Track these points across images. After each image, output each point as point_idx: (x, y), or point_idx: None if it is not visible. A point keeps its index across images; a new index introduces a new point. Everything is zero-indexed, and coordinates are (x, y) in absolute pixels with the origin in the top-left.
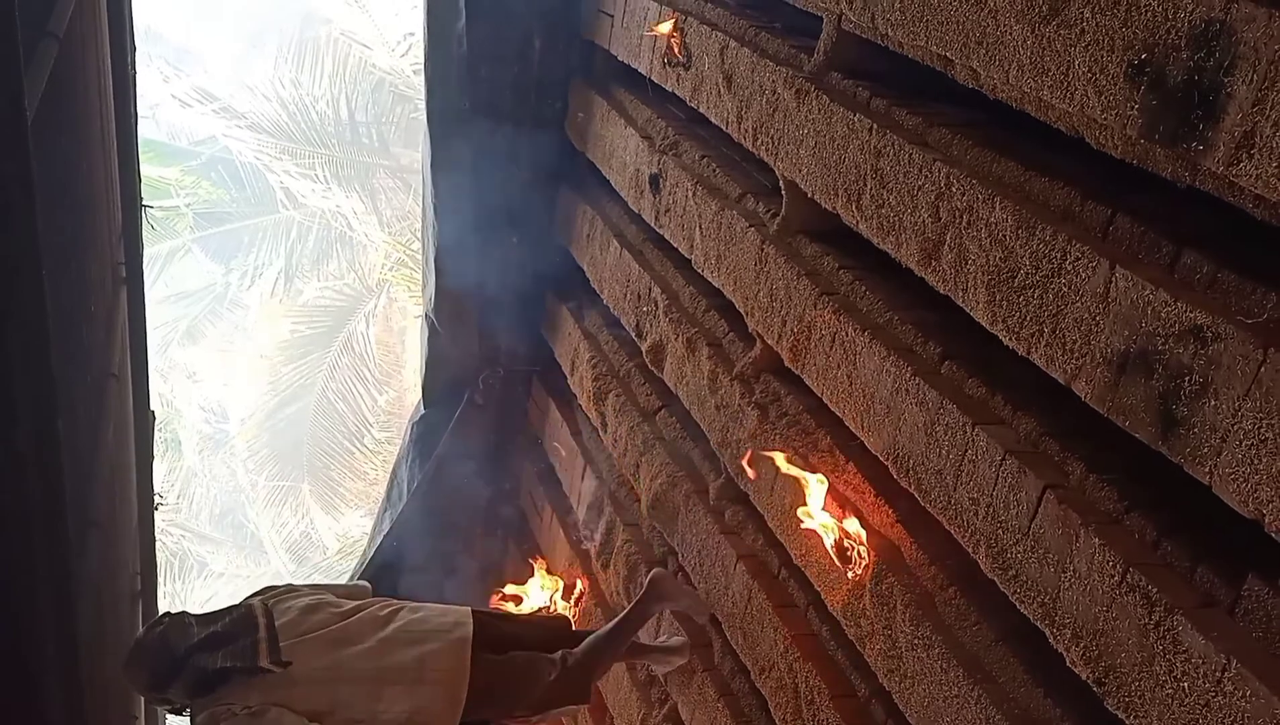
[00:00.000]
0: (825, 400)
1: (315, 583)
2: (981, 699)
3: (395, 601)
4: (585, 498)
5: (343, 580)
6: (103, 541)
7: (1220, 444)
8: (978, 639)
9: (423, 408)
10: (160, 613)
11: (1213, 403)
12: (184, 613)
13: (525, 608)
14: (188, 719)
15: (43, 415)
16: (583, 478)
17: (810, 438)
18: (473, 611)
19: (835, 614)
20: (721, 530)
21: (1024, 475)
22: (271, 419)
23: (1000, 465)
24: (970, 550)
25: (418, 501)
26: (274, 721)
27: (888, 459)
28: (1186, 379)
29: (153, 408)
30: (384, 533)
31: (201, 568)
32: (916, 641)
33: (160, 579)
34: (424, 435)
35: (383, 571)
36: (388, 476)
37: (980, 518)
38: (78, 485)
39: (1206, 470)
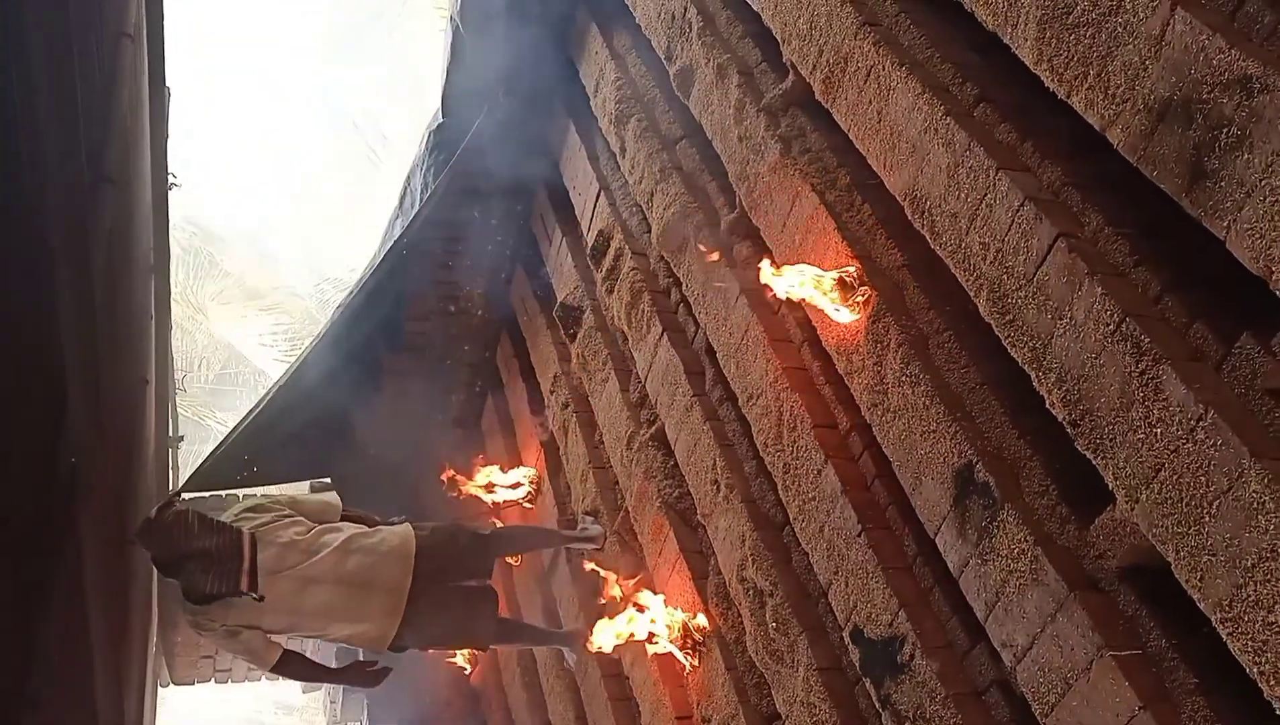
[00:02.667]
0: (851, 136)
1: (293, 496)
2: (957, 436)
3: (354, 532)
4: (596, 224)
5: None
6: (117, 201)
7: (1244, 199)
8: (964, 381)
9: (441, 116)
10: (170, 495)
11: (1246, 156)
12: (188, 511)
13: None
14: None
15: (58, 60)
16: (595, 203)
17: (829, 176)
18: (415, 551)
19: (828, 350)
20: (728, 263)
21: (1039, 222)
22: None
23: (1017, 211)
24: (972, 295)
25: (430, 210)
26: (245, 642)
27: (905, 200)
28: (1225, 131)
29: (168, 85)
30: (394, 238)
31: (212, 265)
32: (904, 378)
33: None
34: (441, 144)
35: (391, 276)
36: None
37: (988, 262)
38: (92, 137)
39: (1225, 225)
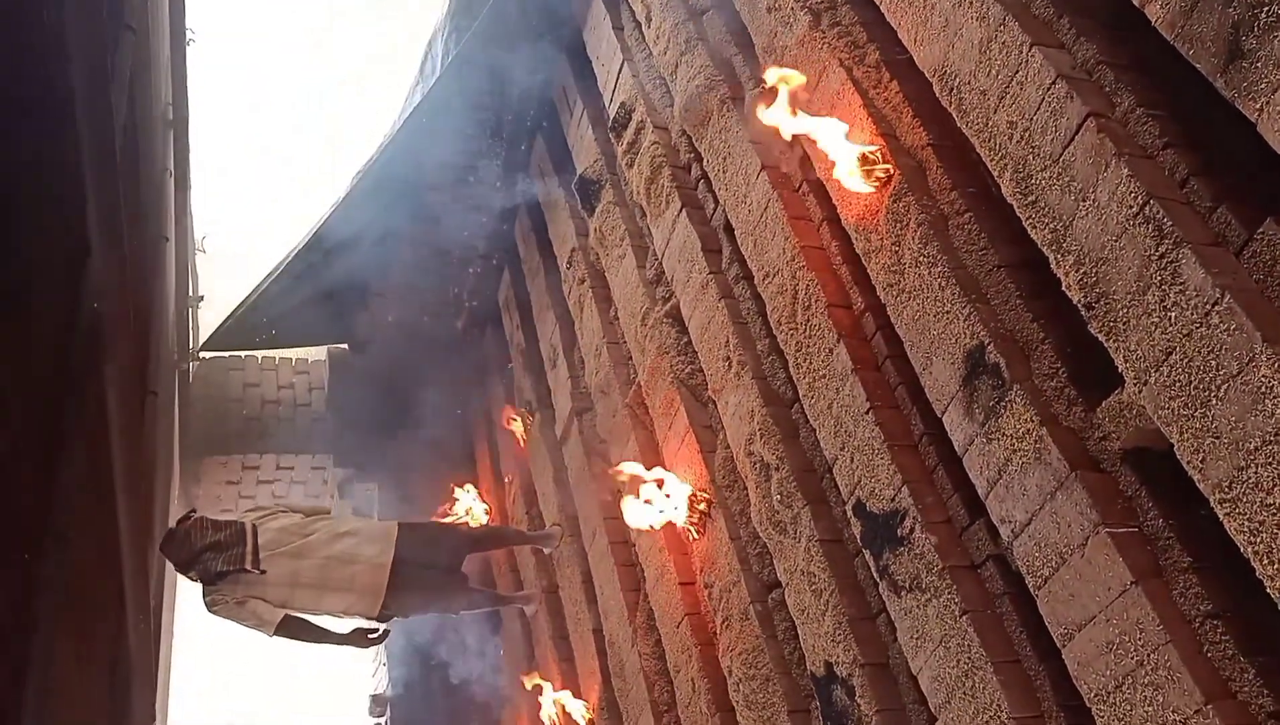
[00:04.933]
0: (883, 9)
1: (290, 504)
2: (971, 317)
3: (342, 523)
4: (618, 96)
5: None
6: (136, 49)
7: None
8: (981, 263)
9: None
10: (187, 512)
11: None
12: (202, 518)
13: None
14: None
15: None
16: (618, 74)
17: (858, 51)
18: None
19: (848, 229)
20: (750, 138)
21: (1070, 101)
22: None
23: (1048, 89)
24: (996, 175)
25: (450, 80)
26: (251, 609)
27: (934, 76)
28: (1265, 9)
29: None
30: (414, 106)
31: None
32: (921, 259)
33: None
34: (462, 9)
35: (410, 145)
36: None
37: (1014, 141)
38: None
39: (1257, 107)
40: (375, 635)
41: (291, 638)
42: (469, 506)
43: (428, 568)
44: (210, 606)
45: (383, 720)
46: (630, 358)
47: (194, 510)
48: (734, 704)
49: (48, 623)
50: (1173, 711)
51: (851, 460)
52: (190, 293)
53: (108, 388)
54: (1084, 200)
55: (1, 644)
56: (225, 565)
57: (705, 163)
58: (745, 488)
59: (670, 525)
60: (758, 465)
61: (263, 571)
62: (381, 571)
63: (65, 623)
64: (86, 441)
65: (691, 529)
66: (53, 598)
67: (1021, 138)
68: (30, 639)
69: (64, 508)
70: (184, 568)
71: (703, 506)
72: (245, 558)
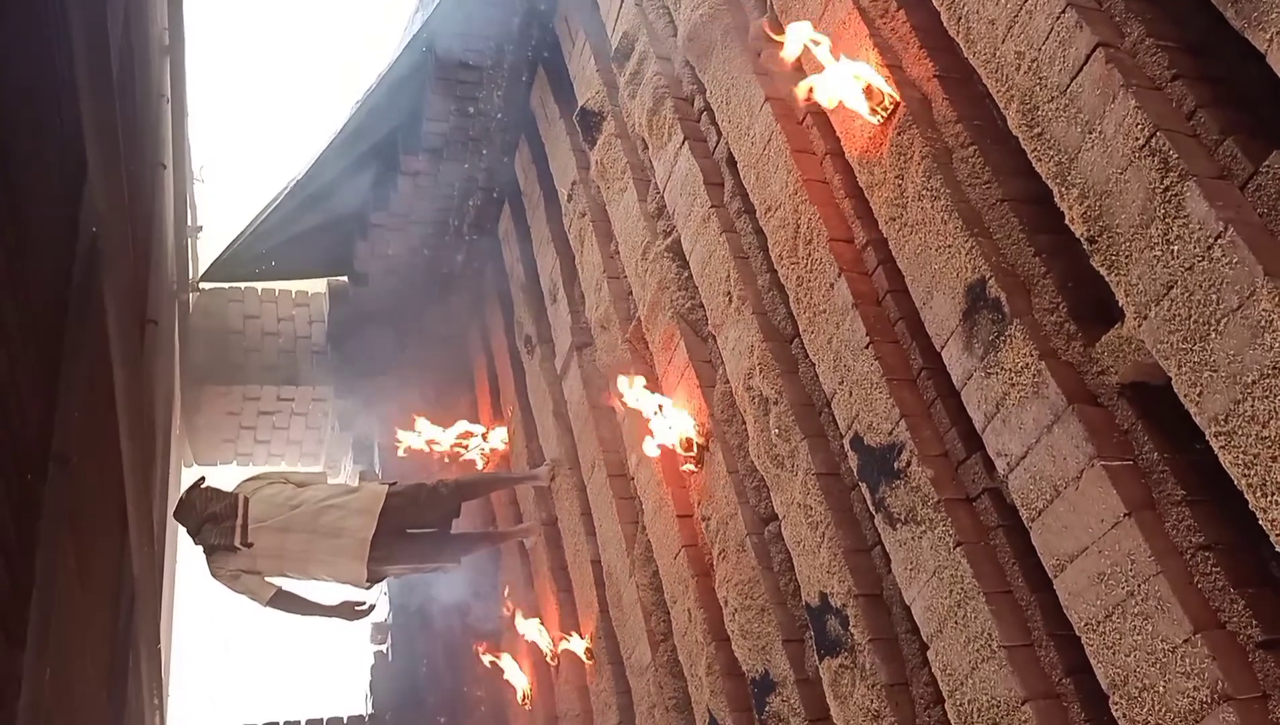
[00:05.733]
0: None
1: (284, 470)
2: (973, 251)
3: (333, 491)
4: (621, 25)
5: None
6: None
7: None
8: (985, 197)
9: None
10: (198, 478)
11: None
12: (208, 488)
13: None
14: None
15: None
16: (621, 2)
17: None
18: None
19: (851, 162)
20: (755, 70)
21: (1079, 30)
22: None
23: (1058, 18)
24: (1002, 106)
25: (450, 7)
26: (244, 583)
27: (942, 5)
28: None
29: None
30: (413, 35)
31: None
32: (925, 192)
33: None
34: None
35: (411, 74)
36: None
37: (1021, 72)
38: None
39: (1268, 37)
40: (363, 608)
41: (283, 610)
42: (479, 446)
43: (418, 530)
44: (213, 574)
45: (384, 647)
46: (630, 292)
47: (203, 478)
48: (729, 634)
49: (50, 542)
50: (1161, 640)
51: (850, 394)
52: (189, 222)
53: (108, 311)
54: (1090, 132)
55: (5, 562)
56: (218, 539)
57: (708, 94)
58: (744, 422)
59: (669, 458)
60: (756, 399)
61: (250, 545)
62: (363, 545)
63: (67, 543)
64: (87, 365)
65: (690, 462)
66: (55, 518)
67: (1029, 68)
68: (33, 558)
69: (65, 430)
70: (192, 536)
71: (701, 441)
72: (235, 533)
